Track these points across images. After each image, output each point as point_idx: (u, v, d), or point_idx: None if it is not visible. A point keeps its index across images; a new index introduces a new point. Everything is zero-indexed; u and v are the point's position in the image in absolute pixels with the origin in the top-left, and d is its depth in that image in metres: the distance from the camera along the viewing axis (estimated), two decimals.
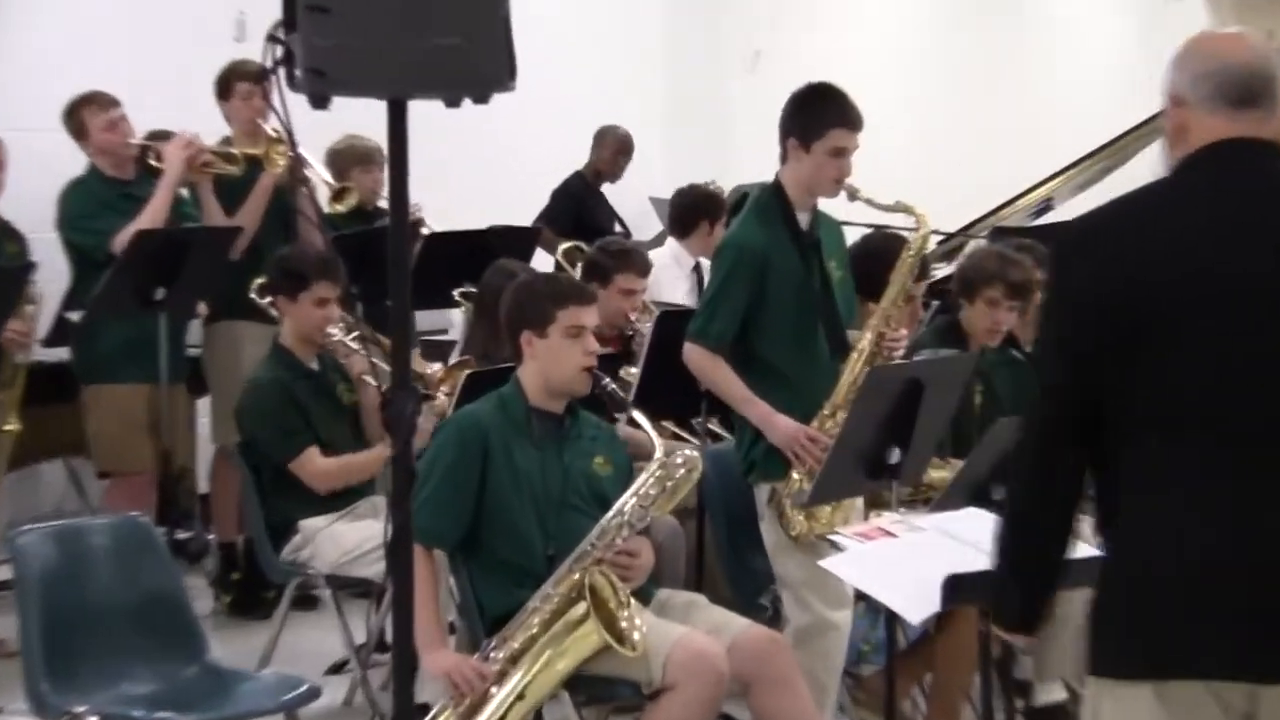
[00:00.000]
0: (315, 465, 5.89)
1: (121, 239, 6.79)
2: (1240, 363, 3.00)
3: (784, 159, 5.24)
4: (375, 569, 5.60)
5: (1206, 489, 2.99)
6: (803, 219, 5.24)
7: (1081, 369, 3.06)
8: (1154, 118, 10.62)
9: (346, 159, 7.57)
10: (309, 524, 5.84)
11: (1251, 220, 3.05)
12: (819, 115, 5.15)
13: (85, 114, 7.08)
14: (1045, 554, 3.17)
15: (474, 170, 9.43)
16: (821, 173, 5.15)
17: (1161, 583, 2.99)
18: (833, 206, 5.39)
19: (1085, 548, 3.77)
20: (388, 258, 3.38)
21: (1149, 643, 3.00)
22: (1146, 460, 3.03)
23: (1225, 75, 3.11)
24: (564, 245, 6.42)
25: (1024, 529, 3.20)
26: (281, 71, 3.16)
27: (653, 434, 4.83)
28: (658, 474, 4.75)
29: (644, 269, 6.72)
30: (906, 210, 5.26)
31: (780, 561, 5.21)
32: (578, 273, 6.98)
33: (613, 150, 9.73)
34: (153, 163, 7.06)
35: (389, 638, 5.99)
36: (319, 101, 3.18)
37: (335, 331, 6.01)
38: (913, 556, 4.11)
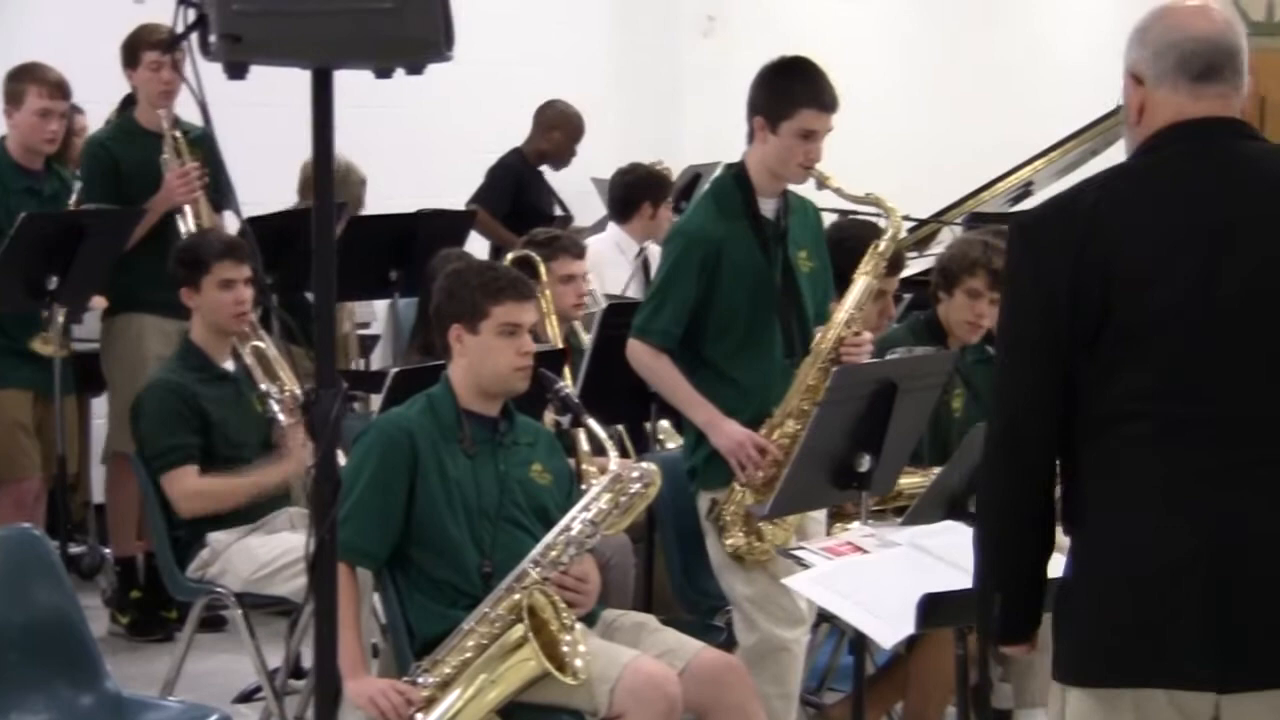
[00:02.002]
0: (184, 484, 5.80)
1: None
2: (1209, 361, 3.08)
3: (750, 138, 5.23)
4: (291, 586, 5.56)
5: (1176, 491, 3.08)
6: (767, 206, 5.24)
7: (1051, 363, 3.13)
8: None
9: None
10: (218, 537, 5.80)
11: (1217, 207, 3.11)
12: (788, 93, 5.14)
13: (29, 89, 7.02)
14: (1028, 561, 3.26)
15: (400, 147, 9.41)
16: (788, 156, 5.14)
17: (1125, 588, 3.09)
18: (806, 190, 5.38)
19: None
20: (310, 243, 3.36)
21: (1112, 649, 3.11)
22: (1114, 459, 3.12)
23: (1186, 49, 3.16)
24: (513, 255, 6.42)
25: (1005, 538, 3.27)
26: (194, 38, 3.15)
27: (608, 443, 4.83)
28: (611, 489, 4.74)
29: (578, 251, 6.72)
30: (877, 204, 5.26)
31: (725, 578, 5.21)
32: None
33: (563, 133, 9.61)
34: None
35: (305, 662, 6.03)
36: (236, 70, 3.17)
37: (260, 343, 5.98)
38: (885, 574, 4.12)
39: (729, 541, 5.13)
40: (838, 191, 5.17)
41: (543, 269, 6.38)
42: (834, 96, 5.15)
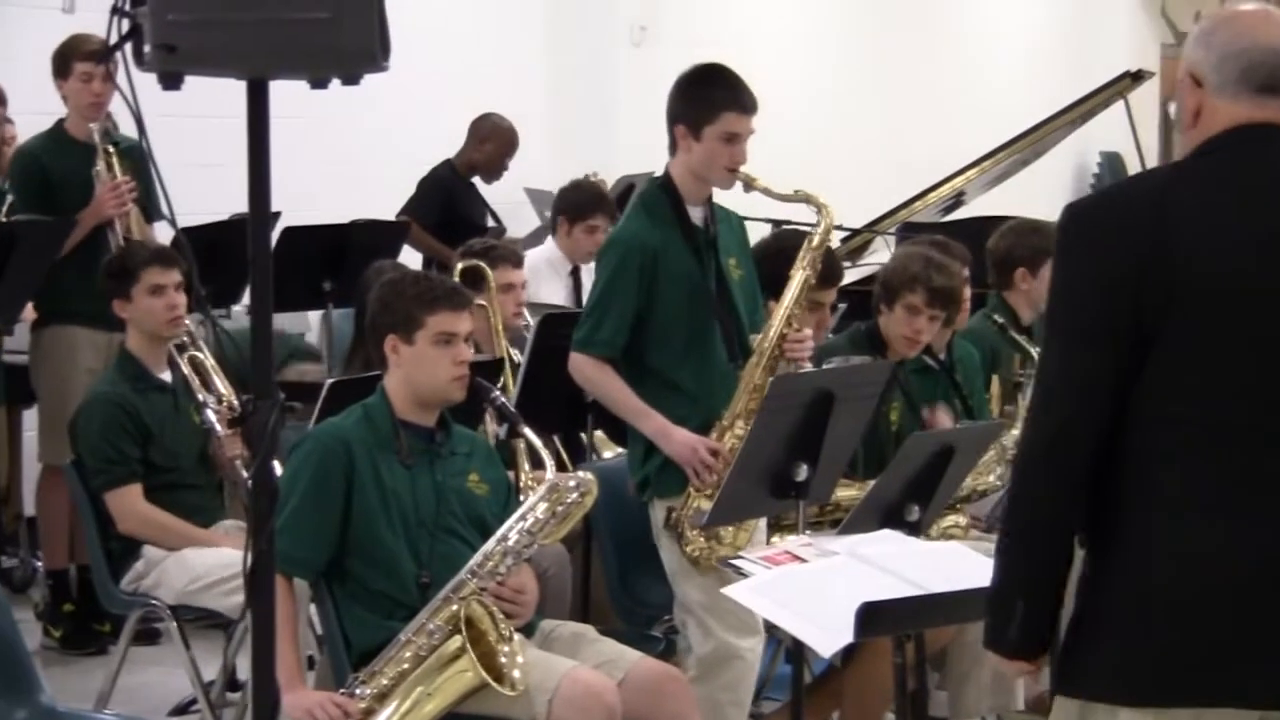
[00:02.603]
0: (136, 505, 5.78)
1: None
2: (1270, 362, 3.02)
3: (672, 149, 5.26)
4: (227, 603, 5.52)
5: (1243, 500, 3.01)
6: (695, 213, 5.26)
7: (1109, 358, 3.03)
8: (1073, 106, 10.81)
9: None
10: (153, 550, 5.77)
11: (1275, 210, 3.06)
12: (708, 98, 5.17)
13: None
14: (1059, 570, 3.15)
15: (332, 158, 9.38)
16: (714, 161, 5.17)
17: (1190, 600, 3.00)
18: (729, 199, 5.41)
19: None
20: (247, 254, 3.34)
21: (1179, 667, 3.01)
22: (1170, 464, 3.04)
23: (1254, 58, 3.09)
24: (461, 264, 6.40)
25: (1038, 544, 3.15)
26: (128, 48, 3.13)
27: (544, 452, 4.82)
28: (548, 498, 4.72)
29: (516, 260, 6.73)
30: (807, 200, 5.28)
31: (681, 585, 5.22)
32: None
33: (495, 145, 9.56)
34: None
35: (241, 674, 5.99)
36: (170, 81, 3.15)
37: (198, 353, 5.95)
38: (823, 583, 4.12)
39: (689, 548, 5.13)
40: (765, 191, 5.20)
41: (491, 279, 6.37)
42: (753, 98, 5.18)
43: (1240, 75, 3.09)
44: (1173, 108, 3.25)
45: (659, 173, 5.38)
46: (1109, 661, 3.07)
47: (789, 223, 6.67)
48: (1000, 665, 3.28)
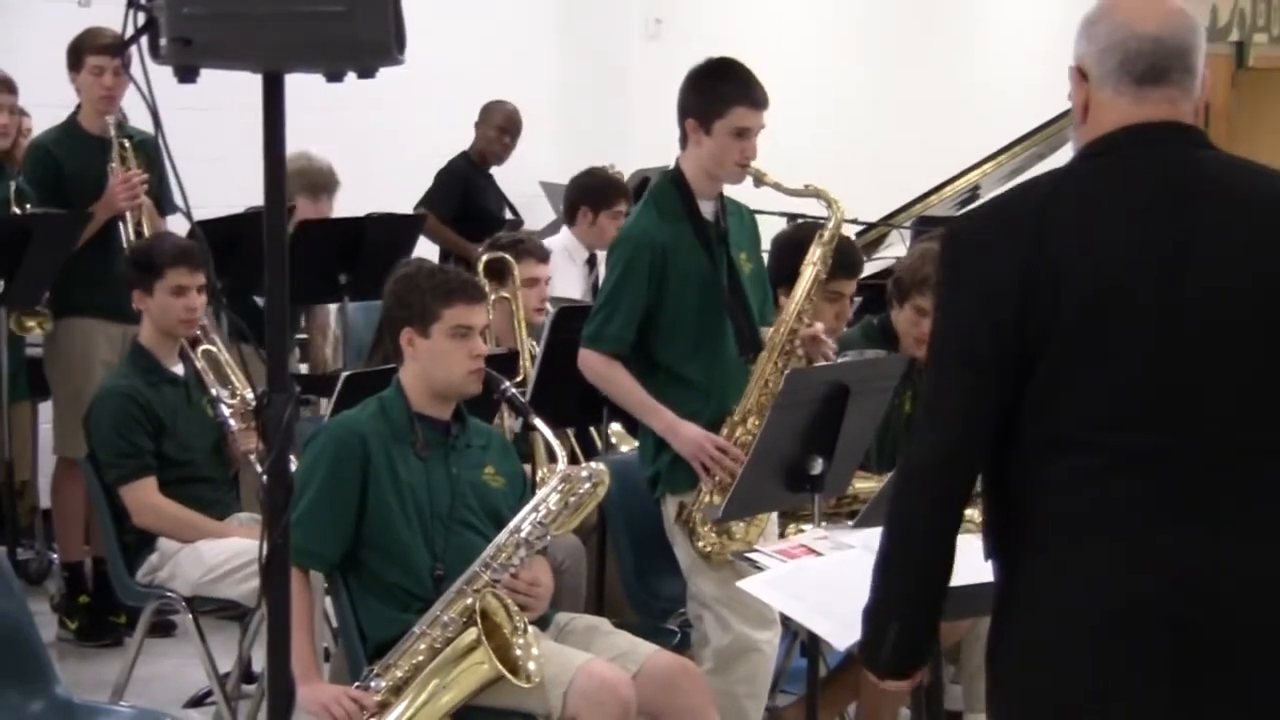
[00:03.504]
0: (151, 499, 5.79)
1: None
2: (1165, 381, 2.89)
3: (683, 143, 5.26)
4: (242, 589, 5.54)
5: (1129, 524, 2.89)
6: (706, 208, 5.26)
7: (991, 381, 2.92)
8: None
9: None
10: (167, 542, 5.78)
11: (1172, 221, 2.91)
12: (719, 92, 5.16)
13: None
14: (937, 588, 3.06)
15: (347, 151, 9.37)
16: (724, 155, 5.16)
17: (1080, 628, 2.91)
18: (740, 194, 5.41)
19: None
20: (263, 247, 3.34)
21: (1061, 690, 2.93)
22: (1062, 488, 2.92)
23: (1130, 48, 2.97)
24: (487, 256, 6.40)
25: (912, 563, 3.07)
26: (143, 41, 3.12)
27: (555, 444, 4.82)
28: (560, 488, 4.73)
29: (542, 255, 6.73)
30: (818, 195, 5.27)
31: (695, 580, 5.22)
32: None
33: (497, 128, 9.62)
34: None
35: (257, 666, 6.00)
36: (185, 74, 3.15)
37: (212, 346, 5.95)
38: (839, 576, 4.11)
39: (700, 543, 5.14)
40: (776, 186, 5.19)
41: (516, 272, 6.38)
42: (764, 93, 5.17)
43: (1119, 66, 2.97)
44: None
45: (673, 166, 5.38)
46: (1013, 687, 3.02)
47: (803, 216, 6.65)
48: (875, 683, 3.24)
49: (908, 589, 3.10)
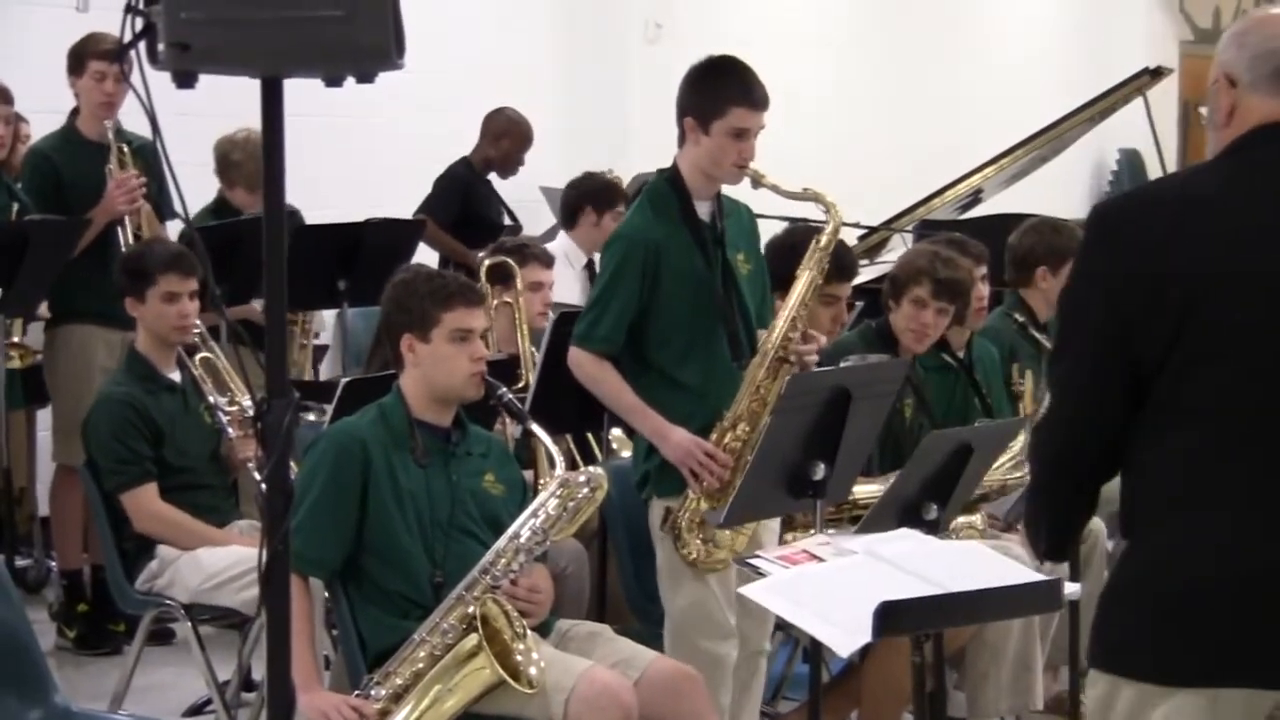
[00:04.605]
0: (151, 505, 5.79)
1: None
2: None
3: (681, 142, 5.23)
4: (241, 598, 5.54)
5: (1264, 494, 3.08)
6: (702, 208, 5.23)
7: (1124, 355, 3.11)
8: (1092, 103, 10.80)
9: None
10: (166, 549, 5.78)
11: None
12: (717, 92, 5.13)
13: None
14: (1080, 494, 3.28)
15: (346, 156, 9.38)
16: (722, 156, 5.13)
17: (1213, 591, 3.08)
18: (738, 195, 5.39)
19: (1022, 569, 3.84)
20: (261, 253, 3.34)
21: (1206, 649, 3.08)
22: (1195, 458, 3.11)
23: None
24: (490, 260, 6.42)
25: (1055, 523, 3.31)
26: (142, 46, 3.13)
27: (553, 449, 4.82)
28: (559, 493, 4.73)
29: (547, 259, 6.75)
30: (816, 198, 5.24)
31: (667, 587, 5.19)
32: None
33: (511, 141, 9.55)
34: None
35: (256, 674, 5.99)
36: (184, 79, 3.15)
37: (209, 354, 5.95)
38: (841, 582, 4.11)
39: (685, 550, 5.11)
40: (774, 188, 5.15)
41: (518, 276, 6.38)
42: (764, 93, 5.15)
43: (1272, 73, 3.17)
44: (1204, 111, 3.30)
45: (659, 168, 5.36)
46: (1138, 638, 3.15)
47: (802, 219, 6.64)
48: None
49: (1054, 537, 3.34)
